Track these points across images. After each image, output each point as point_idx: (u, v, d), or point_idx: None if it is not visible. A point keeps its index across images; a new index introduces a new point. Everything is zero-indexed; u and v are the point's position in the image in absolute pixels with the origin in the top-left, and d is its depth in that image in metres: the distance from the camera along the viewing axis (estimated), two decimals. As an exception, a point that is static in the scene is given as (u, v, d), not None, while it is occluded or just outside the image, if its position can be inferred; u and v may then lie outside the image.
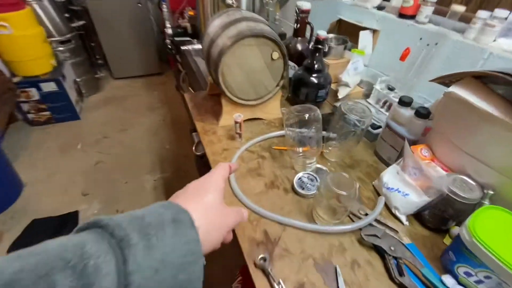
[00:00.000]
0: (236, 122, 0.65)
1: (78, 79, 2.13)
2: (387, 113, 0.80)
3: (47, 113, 1.86)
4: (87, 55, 2.27)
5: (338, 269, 0.44)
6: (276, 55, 0.66)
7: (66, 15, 2.03)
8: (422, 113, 0.55)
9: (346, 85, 0.83)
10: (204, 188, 0.31)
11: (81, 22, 2.14)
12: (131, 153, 1.73)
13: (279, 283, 0.41)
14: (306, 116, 0.56)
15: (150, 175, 1.58)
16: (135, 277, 0.18)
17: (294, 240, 0.49)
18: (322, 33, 0.73)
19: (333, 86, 0.88)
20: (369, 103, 0.86)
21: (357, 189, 0.47)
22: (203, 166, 0.99)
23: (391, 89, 0.80)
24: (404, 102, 0.59)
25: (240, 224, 0.50)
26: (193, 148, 0.89)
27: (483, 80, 0.48)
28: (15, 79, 1.69)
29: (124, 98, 2.29)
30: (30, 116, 1.84)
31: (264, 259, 0.44)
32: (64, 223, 1.29)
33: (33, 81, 1.72)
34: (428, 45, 0.71)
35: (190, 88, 1.58)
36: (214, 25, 0.70)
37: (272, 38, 0.63)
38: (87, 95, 2.25)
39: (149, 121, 2.04)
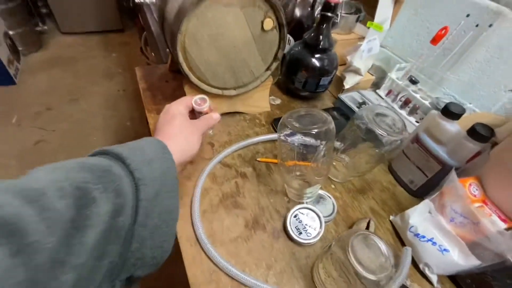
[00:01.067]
0: (198, 113, 0.40)
1: (11, 32, 1.68)
2: (403, 112, 0.63)
3: (-32, 74, 1.45)
4: (25, 2, 1.78)
5: None
6: (269, 23, 0.42)
7: None
8: (482, 134, 0.37)
9: (357, 72, 0.63)
10: (168, 118, 0.35)
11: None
12: (81, 130, 1.43)
13: None
14: (314, 131, 0.36)
15: (105, 159, 1.32)
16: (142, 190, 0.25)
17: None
18: (335, -5, 0.50)
19: (338, 71, 0.67)
20: (379, 95, 0.67)
21: (391, 272, 0.30)
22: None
23: (413, 81, 0.61)
24: (452, 113, 0.41)
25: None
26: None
27: None
28: None
29: (74, 59, 1.88)
30: None
31: None
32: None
33: None
34: (477, 25, 0.51)
35: (153, 54, 1.29)
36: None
37: (264, -4, 0.39)
38: (25, 53, 1.81)
39: (106, 90, 1.70)
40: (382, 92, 0.67)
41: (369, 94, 0.67)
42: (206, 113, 0.39)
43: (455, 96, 0.59)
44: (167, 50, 0.58)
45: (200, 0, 0.36)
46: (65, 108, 1.53)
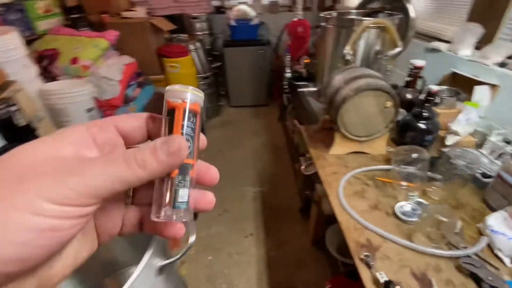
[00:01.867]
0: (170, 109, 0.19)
1: (208, 105, 2.77)
2: (498, 161, 0.81)
3: (185, 128, 2.50)
4: (216, 88, 2.94)
5: (433, 282, 0.54)
6: (389, 103, 0.82)
7: (209, 58, 2.74)
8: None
9: (455, 133, 0.89)
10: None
11: (218, 64, 2.83)
12: (238, 166, 2.11)
13: (380, 274, 0.54)
14: (414, 156, 0.69)
15: (251, 187, 1.89)
16: None
17: (394, 251, 0.61)
18: (435, 87, 0.85)
19: (441, 132, 0.95)
20: (482, 153, 0.88)
21: (458, 221, 0.56)
22: (307, 184, 1.18)
23: (508, 142, 0.81)
24: (518, 155, 0.64)
25: (347, 229, 0.66)
26: (302, 168, 1.10)
27: None
28: (173, 102, 2.38)
29: (236, 122, 2.81)
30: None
31: (367, 256, 0.59)
32: (189, 211, 1.70)
33: (183, 104, 2.38)
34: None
35: (295, 120, 1.86)
36: (338, 79, 0.92)
37: (388, 91, 0.80)
38: (211, 117, 2.87)
39: (254, 143, 2.43)
40: (484, 150, 0.88)
41: (471, 151, 0.90)
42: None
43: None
44: (325, 116, 1.04)
45: (353, 95, 0.81)
46: (229, 151, 2.31)
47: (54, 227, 0.14)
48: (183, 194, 0.18)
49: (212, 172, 0.22)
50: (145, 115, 0.20)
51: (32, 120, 1.22)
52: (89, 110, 1.62)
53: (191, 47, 2.44)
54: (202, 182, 0.21)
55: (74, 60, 1.68)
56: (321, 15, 1.24)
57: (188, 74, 2.30)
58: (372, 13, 1.28)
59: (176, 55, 2.20)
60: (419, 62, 0.95)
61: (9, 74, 1.21)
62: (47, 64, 1.68)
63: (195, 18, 2.66)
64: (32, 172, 0.14)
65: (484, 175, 0.77)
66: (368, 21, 1.05)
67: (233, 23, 2.68)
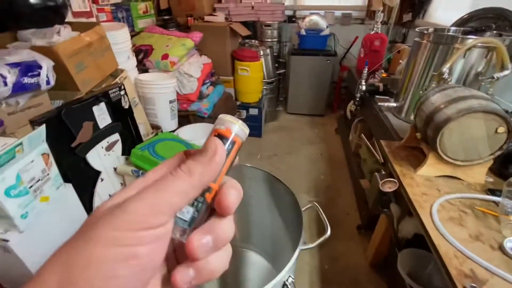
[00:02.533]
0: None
1: (267, 109, 2.85)
2: None
3: (244, 128, 2.61)
4: (277, 94, 3.01)
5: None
6: (502, 129, 0.75)
7: (275, 64, 2.82)
8: None
9: None
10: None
11: (282, 71, 2.90)
12: (293, 172, 2.12)
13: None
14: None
15: (306, 194, 1.88)
16: None
17: (502, 286, 0.56)
18: (559, 118, 0.76)
19: (557, 169, 0.84)
20: None
21: None
22: (380, 202, 1.14)
23: None
24: None
25: (446, 255, 0.63)
26: (380, 185, 1.07)
27: None
28: (238, 103, 2.51)
29: (292, 129, 2.83)
30: (234, 127, 2.64)
31: (474, 287, 0.55)
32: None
33: (246, 106, 2.49)
34: None
35: (362, 135, 1.80)
36: (438, 96, 0.88)
37: (502, 115, 0.74)
38: (268, 121, 2.95)
39: (309, 151, 2.41)
40: None
41: None
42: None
43: None
44: (417, 135, 1.00)
45: (461, 115, 0.76)
46: (285, 156, 2.34)
47: (134, 255, 0.14)
48: (186, 211, 0.17)
49: (228, 198, 0.18)
50: None
51: (131, 105, 1.41)
52: (171, 101, 1.80)
53: (261, 52, 2.55)
54: (216, 206, 0.19)
55: (165, 56, 1.89)
56: (417, 29, 1.20)
57: (255, 78, 2.41)
58: (475, 32, 1.19)
59: (248, 59, 2.32)
60: (538, 88, 0.85)
61: (118, 63, 1.41)
62: (142, 58, 1.92)
63: (268, 25, 2.77)
64: (106, 212, 0.15)
65: None
66: (475, 40, 0.99)
67: (303, 32, 2.73)
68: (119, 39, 1.57)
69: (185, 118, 2.07)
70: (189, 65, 2.01)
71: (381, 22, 2.22)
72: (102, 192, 1.24)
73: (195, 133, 1.86)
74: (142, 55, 1.95)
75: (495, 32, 1.13)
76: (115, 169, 1.32)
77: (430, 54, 1.14)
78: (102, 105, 1.19)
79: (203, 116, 2.05)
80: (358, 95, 1.67)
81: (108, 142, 1.27)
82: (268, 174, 0.88)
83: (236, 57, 2.35)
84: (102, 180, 1.24)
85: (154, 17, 2.38)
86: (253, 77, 2.37)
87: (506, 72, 0.99)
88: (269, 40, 2.86)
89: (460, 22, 1.33)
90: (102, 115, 1.19)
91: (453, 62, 1.02)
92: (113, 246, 0.14)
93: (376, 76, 1.78)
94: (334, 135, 2.71)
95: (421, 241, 0.95)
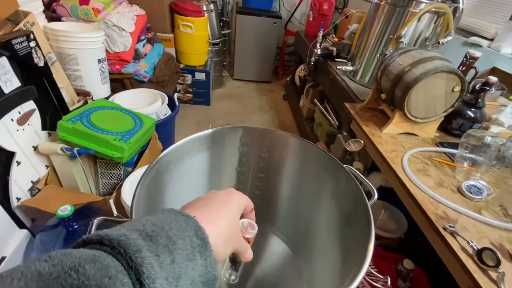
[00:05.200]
0: None
1: (212, 75, 2.64)
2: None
3: (190, 95, 2.37)
4: (223, 57, 2.79)
5: (511, 251, 0.59)
6: (458, 88, 0.84)
7: (220, 23, 2.57)
8: None
9: (501, 124, 0.95)
10: (228, 201, 0.28)
11: (227, 31, 2.67)
12: (248, 141, 2.08)
13: (471, 242, 0.58)
14: (488, 139, 0.73)
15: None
16: None
17: (469, 224, 0.65)
18: (493, 78, 0.89)
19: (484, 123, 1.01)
20: (517, 145, 0.96)
21: None
22: (347, 162, 1.20)
23: (549, 136, 0.89)
24: None
25: (423, 202, 0.69)
26: (346, 145, 1.11)
27: None
28: (181, 66, 2.22)
29: (241, 96, 2.73)
30: (178, 95, 2.37)
31: (452, 226, 0.62)
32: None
33: (191, 70, 2.24)
34: None
35: (315, 100, 1.85)
36: (403, 58, 0.92)
37: (460, 75, 0.82)
38: (214, 87, 2.75)
39: (261, 119, 2.39)
40: (519, 143, 0.96)
41: (508, 142, 0.97)
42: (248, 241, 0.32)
43: None
44: (382, 95, 1.04)
45: (430, 75, 0.81)
46: (238, 124, 2.25)
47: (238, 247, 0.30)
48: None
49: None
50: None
51: (47, 61, 1.06)
52: (100, 61, 1.45)
53: (205, 7, 2.26)
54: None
55: (85, 1, 1.46)
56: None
57: (200, 36, 2.15)
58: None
59: (191, 13, 2.03)
60: (476, 53, 0.98)
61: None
62: (50, 1, 1.45)
63: (209, -24, 2.44)
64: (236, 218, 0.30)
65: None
66: (429, 4, 1.05)
67: (248, -11, 2.52)
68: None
69: (119, 82, 1.73)
70: (119, 16, 1.63)
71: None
72: (20, 179, 0.95)
73: (135, 100, 1.57)
74: (50, -4, 1.46)
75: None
76: (34, 148, 1.02)
77: (387, 17, 1.18)
78: (3, 60, 0.85)
79: (142, 80, 1.74)
80: (313, 59, 1.67)
81: (20, 112, 0.95)
82: (311, 144, 0.64)
83: (177, 10, 2.02)
84: (18, 163, 0.94)
85: None
86: (198, 35, 2.11)
87: (449, 38, 1.10)
88: (211, -6, 2.55)
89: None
90: (5, 75, 0.86)
91: (409, 25, 1.08)
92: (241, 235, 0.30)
93: (327, 41, 1.79)
94: (283, 102, 2.74)
95: (384, 193, 1.06)
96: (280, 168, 0.74)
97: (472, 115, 0.94)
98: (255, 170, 0.77)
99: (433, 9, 1.05)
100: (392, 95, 0.94)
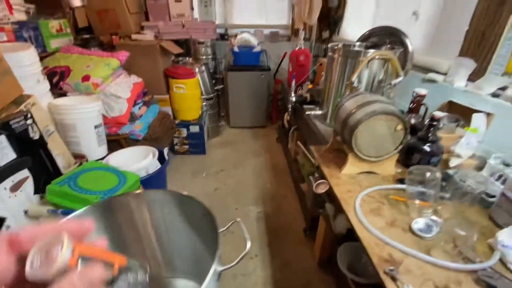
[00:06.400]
0: None
1: (209, 126, 2.82)
2: (501, 186, 0.88)
3: (187, 147, 2.52)
4: (218, 109, 3.01)
5: (457, 295, 0.56)
6: (400, 127, 0.89)
7: (213, 81, 2.84)
8: (540, 187, 0.65)
9: (458, 156, 0.96)
10: None
11: (220, 86, 2.93)
12: (240, 186, 2.12)
13: (408, 287, 0.57)
14: (428, 174, 0.74)
15: (254, 206, 1.89)
16: None
17: (415, 266, 0.64)
18: (438, 113, 0.93)
19: (445, 155, 1.02)
20: (483, 176, 0.95)
21: (474, 233, 0.60)
22: (316, 204, 1.21)
23: (507, 164, 0.88)
24: (521, 176, 0.70)
25: (369, 245, 0.69)
26: (314, 187, 1.13)
27: None
28: (176, 121, 2.42)
29: (236, 142, 2.85)
30: (176, 147, 2.53)
31: (392, 269, 0.61)
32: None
33: (186, 124, 2.42)
34: (547, 131, 0.80)
35: (299, 142, 1.91)
36: (350, 103, 1.00)
37: (399, 116, 0.87)
38: (211, 137, 2.91)
39: (255, 163, 2.46)
40: (484, 173, 0.95)
41: (472, 172, 0.96)
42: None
43: (547, 178, 0.82)
44: (335, 137, 1.10)
45: (368, 118, 0.87)
46: (232, 171, 2.33)
47: None
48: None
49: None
50: None
51: (43, 135, 1.23)
52: (97, 126, 1.64)
53: (197, 69, 2.54)
54: None
55: (86, 78, 1.72)
56: (329, 45, 1.35)
57: (193, 94, 2.37)
58: (375, 46, 1.40)
59: (183, 76, 2.28)
60: (422, 91, 1.04)
61: (24, 88, 1.23)
62: (57, 80, 1.71)
63: (201, 43, 2.79)
64: None
65: (489, 195, 0.83)
66: (374, 53, 1.16)
67: (236, 49, 2.83)
68: (25, 61, 1.37)
69: (116, 142, 1.90)
70: (116, 86, 1.87)
71: (304, 39, 2.45)
72: (7, 242, 1.02)
73: (129, 158, 1.71)
74: (58, 77, 1.74)
75: (389, 46, 1.35)
76: (25, 211, 1.12)
77: (342, 66, 1.30)
78: (2, 138, 1.01)
79: (137, 139, 1.91)
80: (290, 106, 1.79)
81: (13, 181, 1.07)
82: (183, 195, 0.80)
83: (170, 75, 2.29)
84: (8, 227, 1.03)
85: (71, 36, 2.16)
86: (190, 94, 2.34)
87: (399, 79, 1.18)
88: (204, 57, 2.88)
89: (363, 38, 1.55)
90: (2, 150, 1.00)
91: (359, 72, 1.17)
92: None
93: (303, 88, 1.93)
94: (276, 144, 2.83)
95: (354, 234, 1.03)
96: (173, 223, 0.81)
97: (428, 149, 0.96)
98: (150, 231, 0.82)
99: (377, 57, 1.16)
100: (343, 137, 0.99)
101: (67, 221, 0.27)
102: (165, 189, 0.83)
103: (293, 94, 1.74)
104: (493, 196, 0.83)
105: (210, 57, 2.94)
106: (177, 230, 0.83)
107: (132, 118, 1.96)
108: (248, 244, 0.62)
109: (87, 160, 1.55)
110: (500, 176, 0.90)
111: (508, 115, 0.95)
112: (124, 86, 1.92)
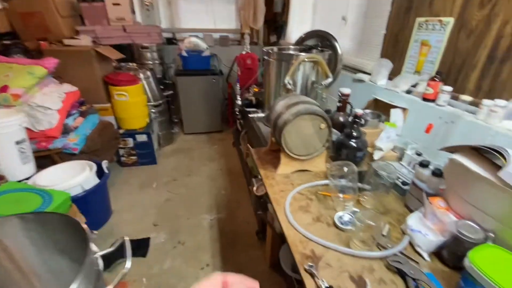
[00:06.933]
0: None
1: (160, 133, 2.70)
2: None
3: (135, 157, 2.37)
4: (169, 116, 2.90)
5: (368, 282, 0.59)
6: (323, 125, 0.92)
7: (161, 87, 2.73)
8: (437, 173, 0.72)
9: (380, 149, 1.03)
10: None
11: (170, 92, 2.83)
12: (193, 194, 2.05)
13: (322, 281, 0.58)
14: (345, 169, 0.78)
15: (208, 214, 1.84)
16: None
17: (334, 259, 0.66)
18: (359, 111, 0.99)
19: (370, 149, 1.09)
20: (402, 165, 1.03)
21: (384, 224, 0.65)
22: (260, 205, 1.21)
23: (419, 154, 0.98)
24: (423, 164, 0.78)
25: (293, 243, 0.70)
26: (254, 189, 1.14)
27: (479, 151, 0.66)
28: (121, 131, 2.27)
29: (191, 149, 2.77)
30: (122, 159, 2.36)
31: (311, 266, 0.62)
32: (138, 246, 1.57)
33: (132, 133, 2.28)
34: (446, 123, 0.90)
35: (248, 145, 1.92)
36: (280, 104, 1.02)
37: (321, 115, 0.91)
38: (163, 145, 2.79)
39: (210, 169, 2.41)
40: (404, 162, 1.04)
41: (394, 164, 1.05)
42: None
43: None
44: (272, 139, 1.11)
45: (293, 119, 0.90)
46: (184, 179, 2.24)
47: None
48: None
49: None
50: None
51: None
52: (19, 142, 1.45)
53: (141, 75, 2.42)
54: None
55: (3, 89, 1.52)
56: (264, 49, 1.37)
57: (137, 102, 2.25)
58: (308, 49, 1.46)
59: (124, 83, 2.15)
60: (345, 90, 1.11)
61: None
62: (-33, 93, 1.49)
63: (145, 47, 2.67)
64: None
65: (404, 183, 0.91)
66: (303, 56, 1.20)
67: (184, 53, 2.76)
68: None
69: (48, 158, 1.71)
70: (44, 96, 1.69)
71: (251, 43, 2.48)
72: None
73: (62, 175, 1.55)
74: (-33, 89, 1.51)
75: (319, 48, 1.42)
76: None
77: (277, 69, 1.33)
78: None
79: (72, 153, 1.74)
80: (237, 109, 1.78)
81: None
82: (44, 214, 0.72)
83: (110, 82, 2.14)
84: None
85: (-13, 42, 1.91)
86: (134, 101, 2.21)
87: (329, 80, 1.24)
88: (150, 62, 2.76)
89: (299, 41, 1.62)
90: None
91: (292, 74, 1.21)
92: None
93: (250, 91, 1.94)
94: (232, 149, 2.81)
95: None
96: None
97: (354, 145, 1.02)
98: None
99: (307, 60, 1.21)
100: (275, 137, 1.01)
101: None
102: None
103: (238, 98, 1.74)
104: (408, 184, 0.91)
105: (157, 62, 2.82)
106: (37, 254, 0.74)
107: (66, 130, 1.78)
108: (128, 264, 0.57)
109: (6, 181, 1.36)
110: (415, 165, 0.99)
111: (419, 109, 1.05)
112: (53, 96, 1.74)
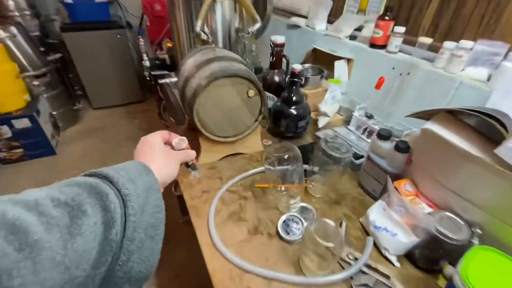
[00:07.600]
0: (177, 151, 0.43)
1: (54, 113, 2.05)
2: (369, 140, 0.80)
3: (20, 150, 1.76)
4: (65, 88, 2.21)
5: (329, 330, 0.40)
6: (252, 92, 0.64)
7: (42, 49, 1.99)
8: (402, 148, 0.54)
9: (325, 114, 0.83)
10: (148, 146, 0.40)
11: (58, 55, 2.10)
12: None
13: None
14: (286, 156, 0.54)
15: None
16: (129, 204, 0.28)
17: (281, 293, 0.45)
18: (297, 66, 0.74)
19: (313, 114, 0.88)
20: (350, 130, 0.86)
21: (343, 237, 0.45)
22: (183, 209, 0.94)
23: (369, 116, 0.80)
24: (383, 135, 0.58)
25: (221, 283, 0.46)
26: (172, 188, 0.84)
27: (456, 114, 0.48)
28: (-15, 117, 1.60)
29: (103, 129, 2.22)
30: (1, 154, 1.73)
31: (248, 325, 0.40)
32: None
33: (5, 118, 1.64)
34: (400, 74, 0.72)
35: (171, 118, 1.55)
36: (189, 63, 0.69)
37: (246, 77, 0.62)
38: (64, 128, 2.16)
39: (130, 152, 1.95)
40: (351, 127, 0.86)
41: (341, 129, 0.86)
42: (186, 148, 0.45)
43: (404, 124, 0.77)
44: (186, 115, 0.80)
45: (206, 86, 0.59)
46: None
47: (177, 167, 0.41)
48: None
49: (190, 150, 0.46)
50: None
51: None
52: None
53: (2, 33, 1.68)
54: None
55: None
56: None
57: (1, 73, 1.57)
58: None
59: (-34, 45, 1.43)
60: (279, 39, 0.82)
61: None
62: None
63: (-1, -10, 1.83)
64: (163, 149, 0.41)
65: (356, 156, 0.73)
66: (217, -11, 0.84)
67: (68, 0, 2.01)
68: None
69: None
70: None
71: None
72: None
73: None
74: None
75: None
76: None
77: (186, 12, 0.94)
78: None
79: None
80: (146, 73, 1.35)
81: None
82: None
83: None
84: None
85: None
86: (-7, 73, 1.53)
87: (257, 25, 0.93)
88: (15, 13, 1.94)
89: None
90: None
91: (204, 17, 0.85)
92: (176, 155, 0.42)
93: (163, 47, 1.50)
94: (159, 122, 2.36)
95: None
96: None
97: (294, 112, 0.78)
98: None
99: (222, -5, 0.85)
100: (188, 114, 0.70)
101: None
102: None
103: (145, 57, 1.30)
104: (361, 157, 0.73)
105: (27, 12, 2.01)
106: None
107: None
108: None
109: None
110: (365, 129, 0.82)
111: (366, 59, 0.85)
112: None
